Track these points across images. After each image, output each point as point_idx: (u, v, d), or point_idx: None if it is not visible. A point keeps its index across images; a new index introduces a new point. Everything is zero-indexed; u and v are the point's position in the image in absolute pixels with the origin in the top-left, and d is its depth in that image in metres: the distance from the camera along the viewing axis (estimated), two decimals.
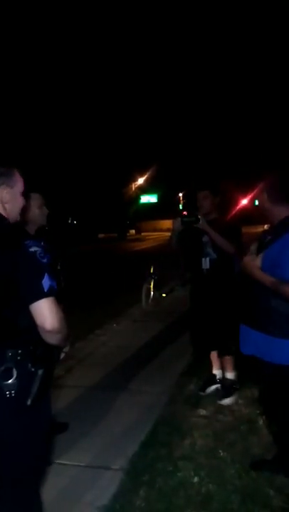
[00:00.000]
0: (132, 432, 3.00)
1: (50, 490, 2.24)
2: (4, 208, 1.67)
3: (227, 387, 3.45)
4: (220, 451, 2.71)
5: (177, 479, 2.46)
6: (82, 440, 2.91)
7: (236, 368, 3.51)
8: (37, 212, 2.54)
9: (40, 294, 1.51)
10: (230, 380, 3.47)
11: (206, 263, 3.40)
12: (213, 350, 3.63)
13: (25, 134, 24.94)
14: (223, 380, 3.51)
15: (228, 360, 3.47)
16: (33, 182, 2.39)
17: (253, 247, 2.35)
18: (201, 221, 3.26)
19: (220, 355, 3.54)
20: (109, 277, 11.07)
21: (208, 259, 3.38)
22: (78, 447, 2.82)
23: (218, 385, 3.61)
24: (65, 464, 2.62)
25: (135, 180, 39.17)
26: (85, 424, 3.11)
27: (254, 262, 2.24)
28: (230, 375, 3.48)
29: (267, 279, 2.16)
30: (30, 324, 1.52)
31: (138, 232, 39.19)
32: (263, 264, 2.20)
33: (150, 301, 7.32)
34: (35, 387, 1.54)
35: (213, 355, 3.63)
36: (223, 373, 3.53)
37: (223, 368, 3.54)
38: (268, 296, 2.16)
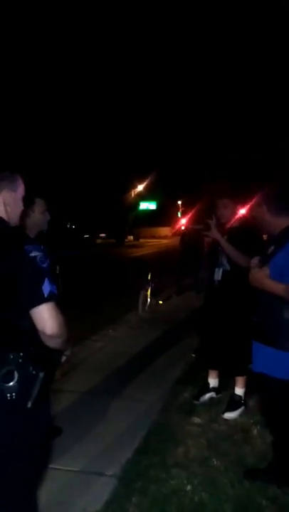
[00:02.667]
0: (125, 439, 3.00)
1: (43, 494, 2.22)
2: (6, 211, 1.70)
3: (234, 402, 3.34)
4: (213, 459, 2.72)
5: (170, 487, 2.46)
6: (76, 445, 2.91)
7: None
8: (39, 217, 2.56)
9: (41, 299, 1.52)
10: (238, 395, 3.36)
11: (218, 274, 3.25)
12: (217, 369, 3.58)
13: (26, 139, 25.04)
14: (233, 395, 3.38)
15: (241, 377, 3.34)
16: (35, 187, 2.41)
17: (256, 260, 2.34)
18: (212, 229, 3.11)
19: (231, 375, 3.43)
20: (106, 282, 11.07)
21: (221, 269, 3.22)
22: (72, 452, 2.82)
23: (212, 394, 3.61)
24: (58, 469, 2.61)
25: (135, 187, 39.34)
26: (79, 430, 3.11)
27: (263, 273, 2.20)
28: (239, 391, 3.36)
29: (279, 287, 2.12)
30: (32, 327, 1.53)
31: (136, 238, 39.22)
32: (271, 274, 2.17)
33: (147, 307, 7.32)
34: (36, 390, 1.55)
35: None
36: (234, 388, 3.40)
37: (234, 384, 3.40)
38: (281, 307, 2.14)
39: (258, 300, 2.29)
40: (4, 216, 1.69)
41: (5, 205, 1.69)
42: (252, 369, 2.39)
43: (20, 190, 1.77)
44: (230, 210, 3.26)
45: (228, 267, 3.21)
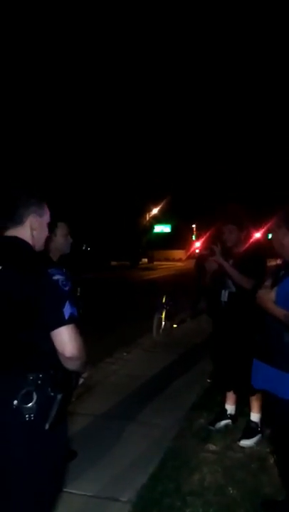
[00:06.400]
0: (140, 464, 2.97)
1: None
2: (32, 236, 1.77)
3: (251, 430, 3.30)
4: (229, 488, 2.67)
5: None
6: (90, 469, 2.88)
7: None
8: (62, 240, 2.63)
9: (61, 322, 1.56)
10: (255, 422, 3.32)
11: (224, 295, 3.36)
12: (229, 389, 3.57)
13: (44, 164, 25.68)
14: (249, 422, 3.34)
15: (254, 400, 3.32)
16: (57, 210, 2.50)
17: (268, 282, 2.38)
18: (216, 254, 3.27)
19: (245, 396, 3.40)
20: (120, 305, 11.08)
21: (227, 291, 3.34)
22: (86, 476, 2.80)
23: (228, 421, 3.56)
24: (72, 493, 2.59)
25: (150, 210, 39.67)
26: (93, 453, 3.09)
27: (268, 296, 2.26)
28: (255, 416, 3.33)
29: (280, 312, 2.18)
30: (52, 349, 1.57)
31: (150, 261, 39.31)
32: (278, 298, 2.23)
33: (161, 331, 7.29)
34: (54, 412, 1.57)
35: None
36: (249, 414, 3.37)
37: (249, 409, 3.38)
38: (282, 330, 2.18)
39: (261, 319, 2.33)
40: (30, 240, 1.75)
41: (32, 229, 1.76)
42: (253, 386, 2.43)
43: (47, 216, 1.85)
44: (234, 235, 3.39)
45: (233, 289, 3.32)
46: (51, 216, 1.91)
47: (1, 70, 24.50)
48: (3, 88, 24.16)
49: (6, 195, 1.81)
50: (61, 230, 2.62)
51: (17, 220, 1.74)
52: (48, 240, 2.14)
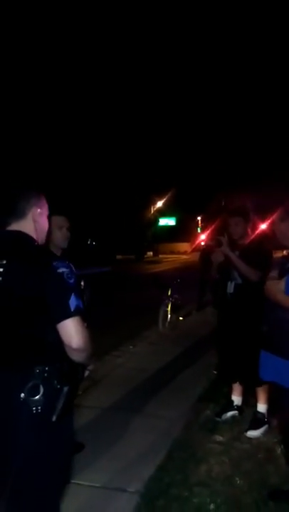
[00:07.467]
0: (147, 456, 2.99)
1: (65, 510, 2.24)
2: (35, 229, 1.77)
3: (257, 420, 3.31)
4: (236, 478, 2.68)
5: (193, 505, 2.44)
6: (98, 461, 2.91)
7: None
8: (57, 234, 2.59)
9: (67, 314, 1.57)
10: (261, 413, 3.32)
11: (230, 287, 3.35)
12: (235, 381, 3.58)
13: (46, 158, 25.64)
14: (256, 413, 3.35)
15: (261, 391, 3.32)
16: (56, 203, 2.48)
17: (274, 274, 2.37)
18: (223, 245, 3.26)
19: (252, 387, 3.40)
20: (125, 299, 11.11)
21: (233, 283, 3.33)
22: (93, 468, 2.82)
23: (235, 412, 3.57)
24: (80, 484, 2.61)
25: (154, 203, 39.56)
26: (100, 445, 3.11)
27: (277, 287, 2.25)
28: (262, 407, 3.34)
29: None
30: (58, 342, 1.58)
31: (155, 254, 39.32)
32: (287, 288, 2.22)
33: (167, 324, 7.31)
34: (61, 404, 1.58)
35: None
36: (256, 405, 3.38)
37: (256, 400, 3.39)
38: None
39: (269, 311, 2.32)
40: (33, 234, 1.75)
41: (34, 222, 1.76)
42: (261, 378, 2.42)
43: (46, 207, 1.85)
44: (241, 227, 3.37)
45: (239, 280, 3.31)
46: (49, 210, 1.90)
47: (1, 70, 24.44)
48: (4, 87, 24.11)
49: (7, 191, 1.81)
50: (55, 224, 2.57)
51: (19, 214, 1.74)
52: (49, 234, 2.14)
